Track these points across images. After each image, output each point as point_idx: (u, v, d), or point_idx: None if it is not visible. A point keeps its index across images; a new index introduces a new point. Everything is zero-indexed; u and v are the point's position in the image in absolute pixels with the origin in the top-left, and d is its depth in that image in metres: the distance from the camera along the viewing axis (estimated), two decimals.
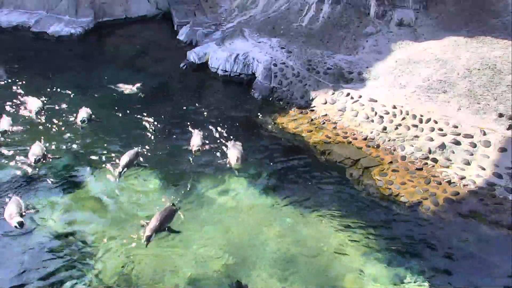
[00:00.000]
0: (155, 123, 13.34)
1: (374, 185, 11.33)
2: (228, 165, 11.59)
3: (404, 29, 15.88)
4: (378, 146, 12.41)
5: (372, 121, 13.00)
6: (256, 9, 18.81)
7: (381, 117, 12.98)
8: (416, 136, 12.26)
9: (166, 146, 12.45)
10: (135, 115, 13.69)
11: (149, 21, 20.25)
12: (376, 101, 13.42)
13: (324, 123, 13.46)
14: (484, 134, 11.70)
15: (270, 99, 14.87)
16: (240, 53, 15.90)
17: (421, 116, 12.57)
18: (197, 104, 14.61)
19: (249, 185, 11.21)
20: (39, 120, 13.15)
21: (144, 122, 13.37)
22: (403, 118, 12.73)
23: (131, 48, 18.17)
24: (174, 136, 12.91)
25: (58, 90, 14.77)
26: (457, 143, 11.76)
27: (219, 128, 13.24)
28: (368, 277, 9.06)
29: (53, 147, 12.02)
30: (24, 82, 14.98)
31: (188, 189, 10.93)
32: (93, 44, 18.61)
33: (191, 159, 11.88)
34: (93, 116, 13.21)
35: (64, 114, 13.46)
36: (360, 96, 13.72)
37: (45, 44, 18.14)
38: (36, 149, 11.49)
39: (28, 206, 10.08)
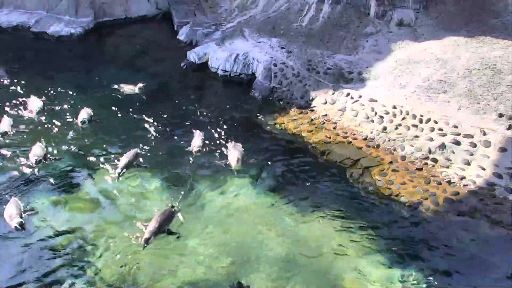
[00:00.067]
0: (155, 123, 13.34)
1: (374, 185, 11.34)
2: (228, 166, 11.57)
3: (404, 29, 15.88)
4: (378, 146, 12.42)
5: (372, 121, 13.00)
6: (256, 9, 18.81)
7: (381, 117, 12.98)
8: (416, 136, 12.27)
9: (166, 147, 12.45)
10: (135, 115, 13.69)
11: (149, 21, 20.23)
12: (376, 101, 13.42)
13: (324, 123, 13.47)
14: (484, 134, 11.70)
15: (270, 99, 14.87)
16: (240, 53, 15.90)
17: (421, 116, 12.57)
18: (197, 104, 14.62)
19: (249, 186, 11.20)
20: (40, 121, 13.14)
21: (144, 123, 13.36)
22: (403, 118, 12.73)
23: (131, 48, 18.16)
24: (174, 137, 12.90)
25: (58, 90, 14.76)
26: (457, 143, 11.76)
27: (219, 128, 13.24)
28: (368, 277, 9.06)
29: (54, 147, 12.00)
30: (24, 82, 14.96)
31: (188, 190, 10.93)
32: (93, 44, 18.60)
33: (191, 160, 11.87)
34: (93, 117, 13.18)
35: (64, 114, 13.44)
36: (360, 96, 13.72)
37: (45, 44, 18.13)
38: (37, 149, 11.46)
39: (27, 207, 10.07)
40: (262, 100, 14.88)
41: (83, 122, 12.88)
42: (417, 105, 12.91)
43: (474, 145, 11.61)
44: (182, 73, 16.43)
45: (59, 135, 12.60)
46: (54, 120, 13.14)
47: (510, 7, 15.06)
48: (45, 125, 12.98)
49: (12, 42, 18.14)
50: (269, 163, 12.01)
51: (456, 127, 12.03)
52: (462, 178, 11.17)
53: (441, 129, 12.13)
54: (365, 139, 12.69)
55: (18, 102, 13.90)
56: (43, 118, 13.23)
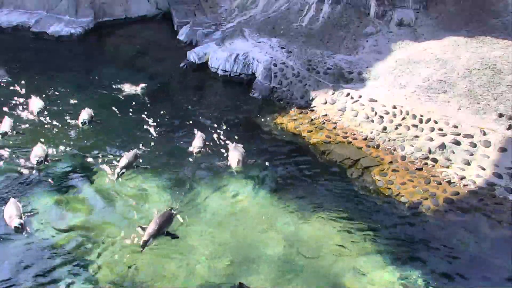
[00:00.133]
0: (155, 123, 13.33)
1: (374, 185, 11.34)
2: (228, 167, 11.54)
3: (404, 29, 15.88)
4: (378, 146, 12.42)
5: (372, 121, 13.00)
6: (256, 9, 18.81)
7: (381, 117, 12.98)
8: (416, 136, 12.27)
9: (167, 147, 12.43)
10: (135, 116, 13.69)
11: (149, 21, 20.23)
12: (376, 101, 13.42)
13: (324, 123, 13.47)
14: (484, 134, 11.70)
15: (270, 99, 14.87)
16: (240, 53, 15.90)
17: (421, 116, 12.57)
18: (197, 104, 14.62)
19: (249, 186, 11.20)
20: (40, 121, 13.12)
21: (144, 123, 13.35)
22: (403, 118, 12.73)
23: (131, 48, 18.16)
24: (175, 137, 12.89)
25: (59, 90, 14.76)
26: (457, 143, 11.76)
27: (219, 129, 13.23)
28: (368, 277, 9.06)
29: (54, 148, 11.97)
30: (24, 82, 14.95)
31: (188, 191, 10.91)
32: (93, 44, 18.61)
33: (191, 161, 11.84)
34: (93, 118, 13.16)
35: (65, 115, 13.42)
36: (360, 96, 13.72)
37: (45, 44, 18.12)
38: (38, 150, 11.42)
39: (28, 208, 10.06)
40: (262, 100, 14.89)
41: (83, 123, 12.87)
42: (417, 105, 12.91)
43: (474, 145, 11.61)
44: (182, 73, 16.43)
45: (60, 135, 12.59)
46: (54, 121, 13.12)
47: (510, 7, 15.06)
48: (46, 126, 12.96)
49: (12, 42, 18.14)
50: (269, 163, 11.99)
51: (456, 127, 12.03)
52: (462, 178, 11.18)
53: (441, 129, 12.13)
54: (365, 139, 12.69)
55: (18, 102, 13.90)
56: (43, 118, 13.20)
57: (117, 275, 8.80)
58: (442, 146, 11.82)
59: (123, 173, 11.08)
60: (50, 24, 18.82)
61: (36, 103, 13.61)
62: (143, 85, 14.97)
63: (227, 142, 12.54)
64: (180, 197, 10.68)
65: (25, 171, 11.19)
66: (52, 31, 18.50)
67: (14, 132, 12.50)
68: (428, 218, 10.43)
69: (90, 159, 11.73)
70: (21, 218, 9.56)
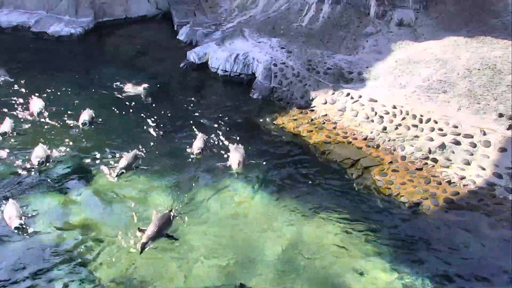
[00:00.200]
0: (155, 124, 13.31)
1: (374, 185, 11.34)
2: (229, 169, 11.52)
3: (404, 29, 15.88)
4: (378, 146, 12.41)
5: (372, 121, 13.00)
6: (256, 9, 18.81)
7: (381, 117, 12.98)
8: (416, 136, 12.27)
9: (167, 148, 12.40)
10: (136, 116, 13.68)
11: (149, 21, 20.23)
12: (376, 101, 13.42)
13: (324, 123, 13.47)
14: (484, 134, 11.70)
15: (270, 99, 14.87)
16: (240, 53, 15.90)
17: (421, 116, 12.57)
18: (197, 105, 14.61)
19: (249, 187, 11.19)
20: (41, 121, 13.09)
21: (144, 123, 13.34)
22: (403, 118, 12.73)
23: (131, 48, 18.16)
24: (175, 138, 12.86)
25: (59, 90, 14.75)
26: (457, 143, 11.76)
27: (219, 129, 13.23)
28: (368, 277, 9.05)
29: (55, 149, 11.92)
30: (24, 82, 14.95)
31: (188, 192, 10.88)
32: (93, 44, 18.61)
33: (192, 162, 11.81)
34: (94, 118, 13.14)
35: (65, 115, 13.39)
36: (360, 96, 13.72)
37: (45, 44, 18.12)
38: (39, 151, 11.38)
39: (27, 209, 10.05)
40: (262, 100, 14.88)
41: (84, 124, 12.86)
42: (417, 105, 12.91)
43: (474, 145, 11.61)
44: (182, 73, 16.43)
45: (60, 136, 12.55)
46: (55, 121, 13.11)
47: (510, 7, 15.06)
48: (46, 126, 12.93)
49: (12, 42, 18.14)
50: (269, 163, 12.00)
51: (456, 127, 12.03)
52: (462, 178, 11.17)
53: (441, 129, 12.13)
54: (365, 139, 12.69)
55: (18, 103, 13.88)
56: (44, 119, 13.17)
57: (117, 275, 8.79)
58: (442, 146, 11.82)
59: (122, 173, 11.06)
60: (50, 24, 18.82)
61: (36, 103, 13.60)
62: (145, 85, 14.98)
63: (228, 143, 12.52)
64: (180, 198, 10.66)
65: (26, 172, 11.16)
66: (52, 31, 18.50)
67: (15, 132, 12.48)
68: (428, 218, 10.42)
69: (90, 160, 11.71)
70: (21, 218, 9.56)
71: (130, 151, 11.75)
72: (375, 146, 12.41)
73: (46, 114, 13.33)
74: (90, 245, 9.39)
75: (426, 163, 11.70)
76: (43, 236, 9.53)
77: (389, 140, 12.44)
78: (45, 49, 17.73)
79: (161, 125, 13.30)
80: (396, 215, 10.56)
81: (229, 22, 18.66)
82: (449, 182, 11.13)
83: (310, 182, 11.44)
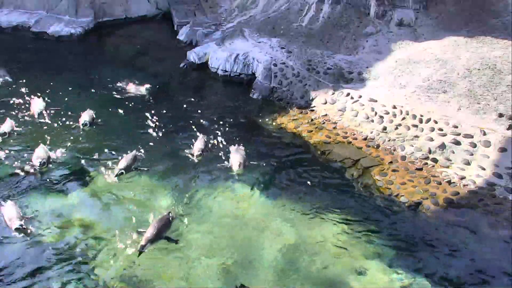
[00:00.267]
0: (156, 125, 13.27)
1: (374, 185, 11.34)
2: (229, 170, 11.50)
3: (404, 29, 15.89)
4: (378, 146, 12.41)
5: (372, 121, 13.00)
6: (256, 9, 18.82)
7: (381, 117, 12.98)
8: (416, 136, 12.26)
9: (167, 149, 12.36)
10: (136, 116, 13.65)
11: (149, 21, 20.24)
12: (376, 101, 13.42)
13: (324, 123, 13.46)
14: (484, 134, 11.70)
15: (270, 99, 14.87)
16: (240, 53, 15.90)
17: (421, 116, 12.57)
18: (197, 105, 14.60)
19: (249, 187, 11.18)
20: (41, 122, 13.07)
21: (145, 124, 13.31)
22: (403, 118, 12.73)
23: (131, 48, 18.16)
24: (175, 139, 12.81)
25: (59, 90, 14.74)
26: (457, 143, 11.76)
27: (219, 129, 13.21)
28: (368, 277, 9.05)
29: (55, 150, 11.88)
30: (24, 82, 14.95)
31: (189, 193, 10.85)
32: (93, 44, 18.61)
33: (192, 163, 11.78)
34: (95, 119, 13.13)
35: (65, 116, 13.38)
36: (360, 96, 13.72)
37: (45, 44, 18.13)
38: (40, 152, 11.36)
39: (27, 210, 10.04)
40: (262, 100, 14.88)
41: (84, 124, 12.85)
42: (417, 105, 12.91)
43: (474, 145, 11.61)
44: (182, 73, 16.42)
45: (61, 137, 12.53)
46: (55, 122, 13.10)
47: (510, 7, 15.06)
48: (47, 127, 12.91)
49: (12, 42, 18.14)
50: (269, 163, 11.99)
51: (456, 127, 12.03)
52: (462, 178, 11.17)
53: (441, 129, 12.13)
54: (365, 139, 12.69)
55: (18, 103, 13.87)
56: (44, 119, 13.15)
57: (117, 275, 8.78)
58: (442, 146, 11.82)
59: (122, 173, 11.03)
60: (50, 24, 18.83)
61: (37, 103, 13.58)
62: (147, 85, 14.97)
63: (228, 143, 12.50)
64: (180, 199, 10.63)
65: (26, 172, 11.14)
66: (52, 31, 18.50)
67: (15, 133, 12.46)
68: (428, 218, 10.42)
69: (90, 161, 11.69)
70: (21, 219, 9.54)
71: (129, 152, 11.73)
72: (375, 146, 12.41)
73: (46, 114, 13.32)
74: (89, 246, 9.38)
75: (426, 163, 11.70)
76: (43, 237, 9.52)
77: (389, 140, 12.44)
78: (45, 49, 17.73)
79: (161, 126, 13.27)
80: (396, 215, 10.56)
81: (229, 22, 18.66)
82: (449, 182, 11.13)
83: (310, 182, 11.44)
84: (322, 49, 15.81)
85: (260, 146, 12.73)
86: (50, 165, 11.33)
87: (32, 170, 11.14)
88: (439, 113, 12.50)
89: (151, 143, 12.52)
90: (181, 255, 9.26)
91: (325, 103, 14.01)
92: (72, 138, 12.51)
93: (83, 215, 10.12)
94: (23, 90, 14.56)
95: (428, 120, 12.42)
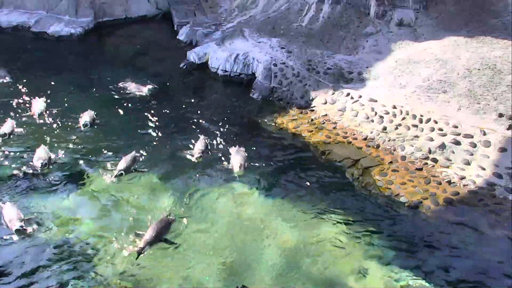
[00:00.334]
0: (156, 125, 13.25)
1: (374, 185, 11.33)
2: (230, 171, 11.49)
3: (404, 29, 15.89)
4: (378, 146, 12.42)
5: (372, 121, 13.01)
6: (256, 9, 18.82)
7: (381, 117, 12.98)
8: (416, 136, 12.27)
9: (167, 150, 12.32)
10: (136, 117, 13.64)
11: (149, 21, 20.25)
12: (376, 101, 13.43)
13: (324, 123, 13.47)
14: (484, 134, 11.71)
15: (270, 99, 14.87)
16: (240, 53, 15.90)
17: (421, 116, 12.57)
18: (197, 105, 14.59)
19: (249, 187, 11.17)
20: (41, 122, 13.06)
21: (145, 125, 13.29)
22: (403, 118, 12.73)
23: (131, 48, 18.16)
24: (175, 140, 12.76)
25: (59, 91, 14.73)
26: (457, 143, 11.76)
27: (219, 130, 13.21)
28: (368, 277, 9.05)
29: (56, 150, 11.86)
30: (24, 82, 14.95)
31: (189, 195, 10.82)
32: (93, 44, 18.61)
33: (193, 164, 11.75)
34: (96, 120, 13.12)
35: (66, 116, 13.36)
36: (360, 96, 13.73)
37: (45, 44, 18.13)
38: (41, 153, 11.32)
39: (27, 211, 10.03)
40: (262, 100, 14.88)
41: (85, 125, 12.84)
42: (417, 105, 12.91)
43: (474, 145, 11.61)
44: (182, 73, 16.42)
45: (61, 137, 12.51)
46: (55, 122, 13.08)
47: (510, 7, 15.07)
48: (47, 127, 12.88)
49: (12, 42, 18.14)
50: (269, 163, 11.99)
51: (456, 127, 12.03)
52: (462, 178, 11.18)
53: (441, 129, 12.13)
54: (365, 139, 12.69)
55: (19, 103, 13.86)
56: (45, 120, 13.12)
57: (116, 276, 8.78)
58: (442, 146, 11.82)
59: (121, 174, 11.01)
60: (50, 24, 18.83)
61: (38, 103, 13.56)
62: (150, 86, 14.97)
63: (228, 144, 12.48)
64: (181, 201, 10.60)
65: (27, 173, 11.12)
66: (52, 31, 18.51)
67: (16, 134, 12.45)
68: (428, 218, 10.43)
69: (90, 162, 11.66)
70: (21, 221, 9.54)
71: (129, 153, 11.71)
72: (375, 146, 12.41)
73: (47, 115, 13.31)
74: (89, 247, 9.37)
75: (426, 163, 11.70)
76: (43, 238, 9.52)
77: (389, 140, 12.44)
78: (45, 49, 17.73)
79: (161, 126, 13.26)
80: (396, 215, 10.56)
81: (229, 22, 18.66)
82: (449, 182, 11.13)
83: (310, 182, 11.43)
84: (322, 49, 15.81)
85: (260, 146, 12.73)
86: (51, 166, 11.31)
87: (33, 171, 11.13)
88: (439, 113, 12.50)
89: (151, 144, 12.51)
90: (181, 256, 9.26)
91: (325, 103, 14.01)
92: (72, 138, 12.49)
93: (83, 216, 10.11)
94: (23, 90, 14.55)
95: (428, 120, 12.42)
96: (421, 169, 11.58)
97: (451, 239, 9.90)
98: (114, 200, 10.57)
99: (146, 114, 13.72)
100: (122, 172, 11.03)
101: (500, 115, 12.03)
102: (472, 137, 11.75)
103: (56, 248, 9.33)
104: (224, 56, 15.97)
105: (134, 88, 14.95)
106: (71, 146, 12.20)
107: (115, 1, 19.87)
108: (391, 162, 11.87)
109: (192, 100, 14.86)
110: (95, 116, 13.19)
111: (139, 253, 8.94)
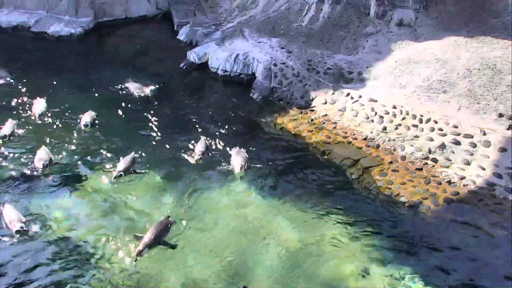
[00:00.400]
0: (156, 126, 13.24)
1: (374, 185, 11.34)
2: (230, 172, 11.48)
3: (404, 29, 15.89)
4: (378, 146, 12.42)
5: (372, 121, 13.01)
6: (256, 9, 18.82)
7: (381, 117, 12.98)
8: (416, 136, 12.27)
9: (167, 151, 12.31)
10: (137, 117, 13.64)
11: (149, 21, 20.24)
12: (376, 101, 13.43)
13: (324, 123, 13.47)
14: (484, 134, 11.71)
15: (270, 99, 14.87)
16: (240, 53, 15.90)
17: (421, 116, 12.57)
18: (197, 105, 14.61)
19: (249, 187, 11.18)
20: (42, 123, 13.05)
21: (145, 125, 13.28)
22: (403, 118, 12.74)
23: (131, 48, 18.16)
24: (176, 141, 12.74)
25: (59, 91, 14.73)
26: (457, 143, 11.77)
27: (219, 130, 13.20)
28: (368, 276, 9.06)
29: (56, 151, 11.86)
30: (24, 82, 14.95)
31: (190, 194, 10.83)
32: (93, 44, 18.60)
33: (193, 165, 11.73)
34: (96, 121, 13.10)
35: (66, 116, 13.37)
36: (360, 96, 13.73)
37: (45, 44, 18.13)
38: (42, 154, 11.32)
39: (27, 211, 10.02)
40: (262, 100, 14.88)
41: (85, 126, 12.83)
42: (417, 105, 12.92)
43: (474, 145, 11.62)
44: (182, 73, 16.42)
45: (62, 138, 12.51)
46: (56, 123, 13.07)
47: (510, 7, 15.07)
48: (48, 128, 12.88)
49: (12, 42, 18.13)
50: (269, 164, 12.00)
51: (456, 127, 12.04)
52: (462, 178, 11.18)
53: (441, 129, 12.13)
54: (365, 139, 12.69)
55: (19, 104, 13.85)
56: (45, 120, 13.11)
57: (116, 276, 8.79)
58: (442, 146, 11.82)
59: (120, 175, 10.99)
60: (50, 24, 18.82)
61: (39, 104, 13.54)
62: (152, 87, 14.97)
63: (228, 145, 12.46)
64: (181, 202, 10.60)
65: (27, 174, 11.12)
66: (52, 31, 18.50)
67: (16, 134, 12.42)
68: (428, 218, 10.43)
69: (91, 163, 11.67)
70: (21, 222, 9.54)
71: (128, 153, 11.68)
72: (375, 146, 12.42)
73: (47, 115, 13.30)
74: (89, 248, 9.38)
75: (426, 163, 11.70)
76: (43, 239, 9.52)
77: (389, 140, 12.45)
78: (45, 49, 17.73)
79: (162, 127, 13.23)
80: (396, 215, 10.57)
81: (229, 22, 18.66)
82: (449, 182, 11.14)
83: (310, 182, 11.45)
84: (322, 49, 15.82)
85: (259, 146, 12.73)
86: (51, 167, 11.31)
87: (34, 173, 11.12)
88: (439, 113, 12.51)
89: (151, 144, 12.51)
90: (181, 256, 9.27)
91: (325, 103, 14.01)
92: (73, 139, 12.49)
93: (83, 217, 10.12)
94: (23, 90, 14.55)
95: (428, 120, 12.42)
96: (421, 169, 11.59)
97: (451, 239, 9.91)
98: (114, 201, 10.57)
99: (146, 114, 13.72)
100: (122, 173, 11.01)
101: (500, 115, 12.03)
102: (472, 137, 11.75)
103: (56, 248, 9.34)
104: (224, 56, 15.97)
105: (134, 88, 14.95)
106: (72, 147, 12.20)
107: (115, 1, 19.86)
108: (391, 162, 11.88)
109: (192, 100, 14.87)
110: (95, 117, 13.18)
111: (138, 255, 8.93)
